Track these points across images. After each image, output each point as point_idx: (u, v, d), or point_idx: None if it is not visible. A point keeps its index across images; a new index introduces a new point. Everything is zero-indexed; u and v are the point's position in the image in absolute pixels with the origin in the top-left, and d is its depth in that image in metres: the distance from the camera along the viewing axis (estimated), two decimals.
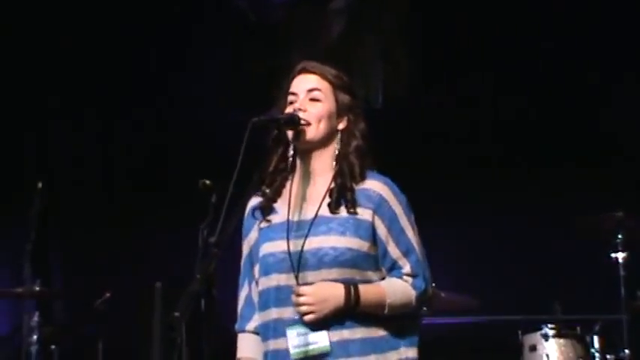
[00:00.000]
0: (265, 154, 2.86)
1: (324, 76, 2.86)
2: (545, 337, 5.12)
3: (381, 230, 2.77)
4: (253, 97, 6.14)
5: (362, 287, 2.71)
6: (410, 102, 6.19)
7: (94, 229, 6.43)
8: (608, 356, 5.08)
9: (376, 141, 2.94)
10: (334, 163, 2.84)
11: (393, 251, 2.77)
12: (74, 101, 6.74)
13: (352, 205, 2.77)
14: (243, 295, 2.91)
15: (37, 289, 5.34)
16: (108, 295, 5.59)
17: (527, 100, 6.21)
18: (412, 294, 2.75)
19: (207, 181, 4.28)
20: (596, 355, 5.10)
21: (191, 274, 2.59)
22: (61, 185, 6.49)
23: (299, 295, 2.71)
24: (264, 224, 2.85)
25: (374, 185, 2.81)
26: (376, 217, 2.77)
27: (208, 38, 6.62)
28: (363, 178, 2.81)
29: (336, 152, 2.84)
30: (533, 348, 5.16)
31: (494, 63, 6.28)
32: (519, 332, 5.25)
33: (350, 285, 2.70)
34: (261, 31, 6.77)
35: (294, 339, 2.72)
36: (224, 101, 6.43)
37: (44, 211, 5.27)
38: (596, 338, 5.13)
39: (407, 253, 2.78)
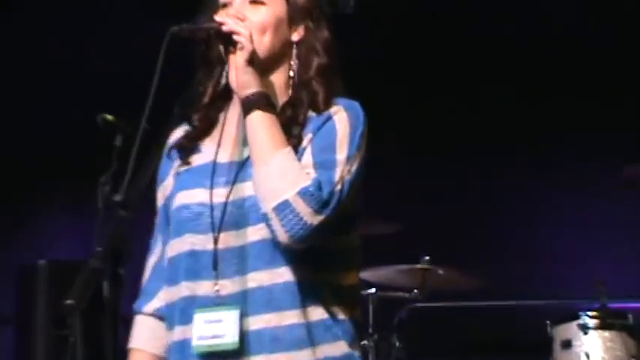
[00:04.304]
0: (192, 78, 2.84)
1: None
2: (584, 328, 5.20)
3: (306, 141, 2.74)
4: (174, 5, 6.17)
5: (274, 118, 2.73)
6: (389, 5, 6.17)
7: None
8: None
9: (346, 56, 2.88)
10: (288, 90, 2.84)
11: (306, 158, 2.71)
12: None
13: (298, 140, 2.74)
14: (152, 261, 2.90)
15: None
16: None
17: None
18: (304, 181, 2.65)
19: (109, 117, 4.27)
20: None
21: (88, 247, 2.54)
22: None
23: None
24: (182, 167, 2.84)
25: (332, 109, 2.78)
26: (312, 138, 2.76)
27: None
28: (327, 107, 2.78)
29: (291, 74, 2.83)
30: (568, 344, 5.25)
31: None
32: (548, 323, 5.31)
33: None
34: None
35: (201, 326, 2.69)
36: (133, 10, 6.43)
37: None
38: None
39: (322, 164, 2.71)
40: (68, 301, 2.40)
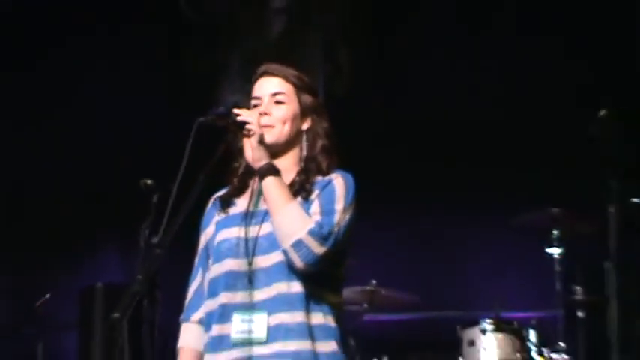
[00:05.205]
0: (219, 156, 2.84)
1: (286, 79, 2.92)
2: (484, 331, 5.22)
3: (314, 196, 2.85)
4: (195, 96, 6.11)
5: (281, 180, 2.81)
6: (352, 102, 6.22)
7: (35, 229, 6.45)
8: (543, 349, 5.22)
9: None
10: (301, 163, 2.92)
11: (314, 208, 2.82)
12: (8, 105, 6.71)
13: (308, 194, 2.84)
14: (194, 286, 2.96)
15: None
16: (48, 296, 5.58)
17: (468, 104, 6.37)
18: (310, 224, 2.75)
19: (149, 181, 4.34)
20: (533, 348, 5.23)
21: (133, 275, 2.59)
22: (3, 187, 6.43)
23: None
24: (222, 216, 2.92)
25: (332, 175, 2.89)
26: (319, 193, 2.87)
27: (144, 37, 6.62)
28: (329, 173, 2.89)
29: (304, 153, 2.92)
30: (472, 342, 5.25)
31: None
32: (458, 327, 5.33)
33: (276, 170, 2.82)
34: (201, 29, 6.75)
35: (238, 324, 2.76)
36: (164, 101, 6.44)
37: None
38: (532, 332, 5.25)
39: (325, 212, 2.81)
40: (115, 314, 2.47)
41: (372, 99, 6.36)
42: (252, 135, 2.80)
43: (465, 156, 6.28)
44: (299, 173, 2.89)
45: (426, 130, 6.34)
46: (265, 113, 2.87)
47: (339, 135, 2.95)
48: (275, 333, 2.74)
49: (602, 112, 3.85)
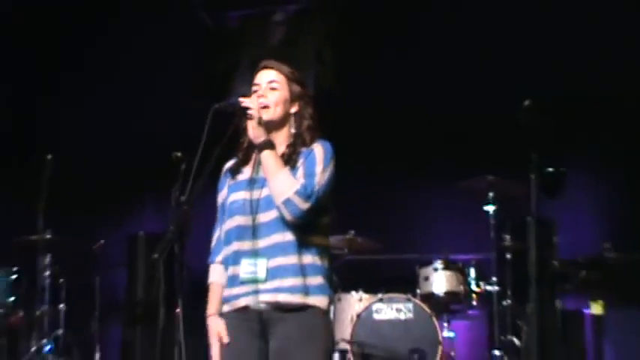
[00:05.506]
0: (230, 134, 2.82)
1: (280, 71, 2.89)
2: (435, 269, 5.31)
3: (300, 164, 2.82)
4: (213, 90, 6.18)
5: (275, 152, 2.80)
6: (336, 92, 6.19)
7: (94, 193, 6.46)
8: (480, 282, 5.31)
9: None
10: (290, 138, 2.88)
11: (300, 173, 2.79)
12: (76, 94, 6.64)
13: (295, 163, 2.82)
14: (215, 236, 2.96)
15: (49, 237, 5.36)
16: (102, 241, 5.62)
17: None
18: (297, 186, 2.73)
19: (179, 154, 4.36)
20: (472, 282, 5.34)
21: (166, 225, 2.60)
22: (69, 158, 6.42)
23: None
24: (232, 182, 2.91)
25: (314, 145, 2.86)
26: (303, 161, 2.85)
27: (173, 42, 6.54)
28: (312, 144, 2.86)
29: (292, 131, 2.88)
30: (427, 278, 5.34)
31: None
32: (416, 267, 5.41)
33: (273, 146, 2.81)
34: (217, 36, 6.72)
35: (246, 266, 2.77)
36: (189, 93, 6.35)
37: (54, 177, 5.24)
38: (472, 270, 5.35)
39: (307, 175, 2.78)
40: (155, 255, 2.49)
41: (351, 90, 6.27)
42: (253, 117, 2.79)
43: (426, 134, 6.18)
44: (288, 147, 2.87)
45: (397, 113, 6.22)
46: (262, 96, 2.85)
47: (324, 118, 2.90)
48: (274, 273, 2.75)
49: (527, 102, 3.77)
